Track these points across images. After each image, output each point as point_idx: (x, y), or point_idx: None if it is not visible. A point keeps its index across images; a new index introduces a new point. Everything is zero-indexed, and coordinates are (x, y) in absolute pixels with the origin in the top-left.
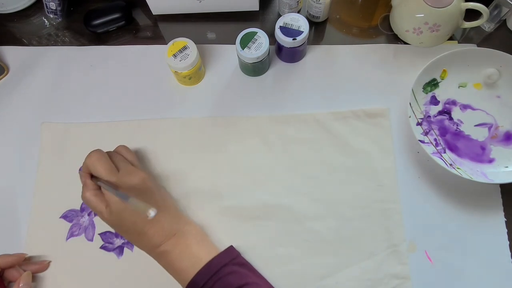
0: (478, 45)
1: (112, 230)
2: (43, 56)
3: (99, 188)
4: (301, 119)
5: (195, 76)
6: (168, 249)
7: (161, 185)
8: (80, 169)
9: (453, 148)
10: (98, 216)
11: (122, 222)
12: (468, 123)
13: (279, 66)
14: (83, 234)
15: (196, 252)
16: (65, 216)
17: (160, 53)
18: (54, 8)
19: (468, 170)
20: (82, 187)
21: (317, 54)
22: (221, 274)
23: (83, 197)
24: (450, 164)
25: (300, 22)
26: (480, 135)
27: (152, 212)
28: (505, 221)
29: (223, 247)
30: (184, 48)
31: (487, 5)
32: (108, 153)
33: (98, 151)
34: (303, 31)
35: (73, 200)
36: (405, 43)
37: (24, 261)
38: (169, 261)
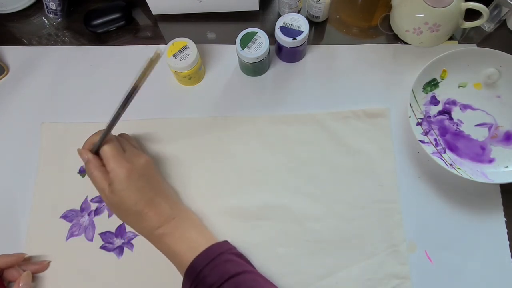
0: (478, 45)
1: (112, 230)
2: (43, 56)
3: (104, 165)
4: (301, 119)
5: (195, 76)
6: (167, 231)
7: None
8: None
9: (453, 148)
10: (100, 194)
11: (123, 201)
12: (468, 123)
13: (279, 66)
14: (83, 234)
15: (195, 237)
16: (65, 216)
17: None
18: (54, 8)
19: (468, 170)
20: (86, 164)
21: (317, 54)
22: (219, 261)
23: (89, 173)
24: (450, 164)
25: (300, 22)
26: (480, 135)
27: (161, 47)
28: (505, 221)
29: None
30: (184, 48)
31: (487, 5)
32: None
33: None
34: (303, 31)
35: (73, 200)
36: (405, 43)
37: (24, 261)
38: (168, 244)
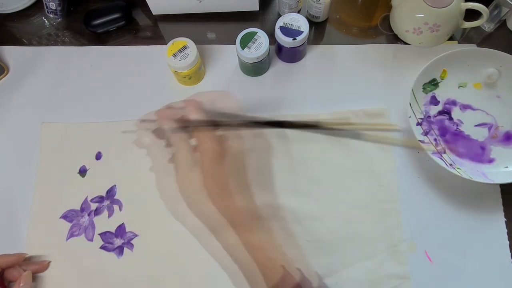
0: (478, 45)
1: (112, 230)
2: (43, 56)
3: None
4: (301, 119)
5: (195, 76)
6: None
7: None
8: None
9: (453, 148)
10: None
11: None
12: (468, 123)
13: (279, 66)
14: (83, 234)
15: None
16: (65, 216)
17: (160, 53)
18: (54, 8)
19: (468, 170)
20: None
21: (317, 54)
22: None
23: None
24: (450, 164)
25: (300, 22)
26: (480, 135)
27: None
28: (505, 221)
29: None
30: (184, 47)
31: (487, 5)
32: None
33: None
34: (303, 31)
35: (73, 200)
36: (405, 43)
37: (24, 261)
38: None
